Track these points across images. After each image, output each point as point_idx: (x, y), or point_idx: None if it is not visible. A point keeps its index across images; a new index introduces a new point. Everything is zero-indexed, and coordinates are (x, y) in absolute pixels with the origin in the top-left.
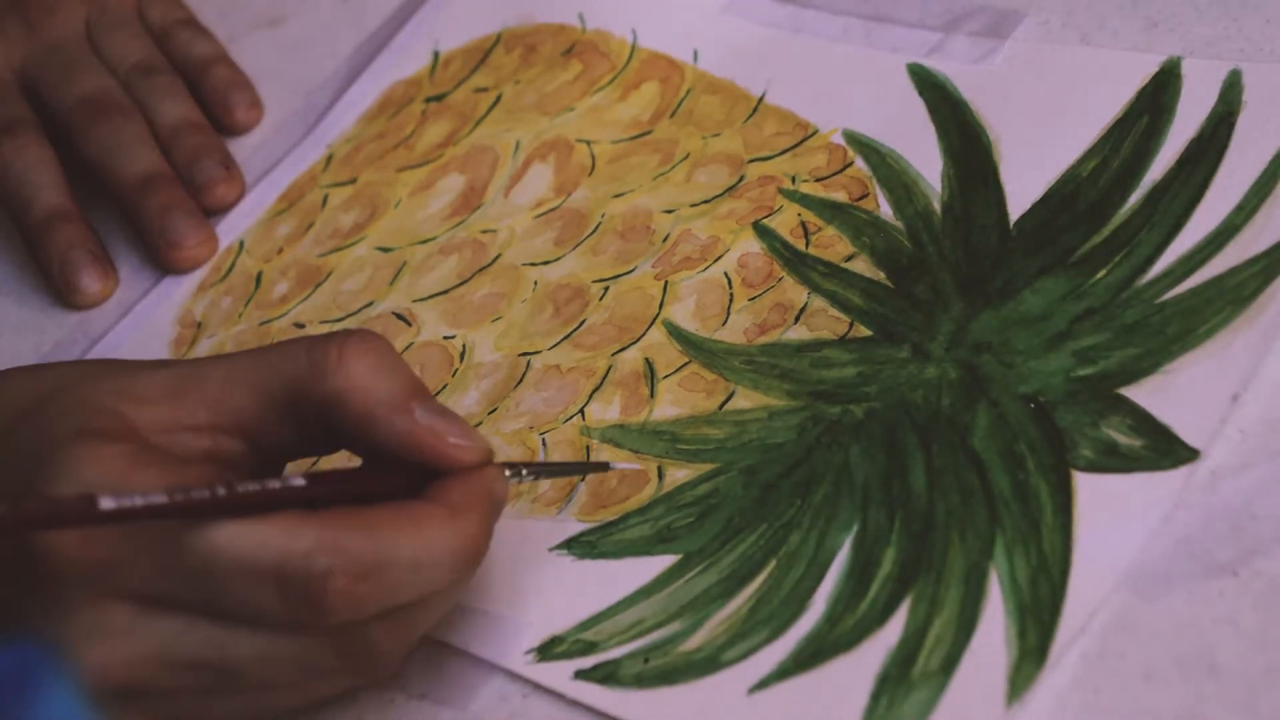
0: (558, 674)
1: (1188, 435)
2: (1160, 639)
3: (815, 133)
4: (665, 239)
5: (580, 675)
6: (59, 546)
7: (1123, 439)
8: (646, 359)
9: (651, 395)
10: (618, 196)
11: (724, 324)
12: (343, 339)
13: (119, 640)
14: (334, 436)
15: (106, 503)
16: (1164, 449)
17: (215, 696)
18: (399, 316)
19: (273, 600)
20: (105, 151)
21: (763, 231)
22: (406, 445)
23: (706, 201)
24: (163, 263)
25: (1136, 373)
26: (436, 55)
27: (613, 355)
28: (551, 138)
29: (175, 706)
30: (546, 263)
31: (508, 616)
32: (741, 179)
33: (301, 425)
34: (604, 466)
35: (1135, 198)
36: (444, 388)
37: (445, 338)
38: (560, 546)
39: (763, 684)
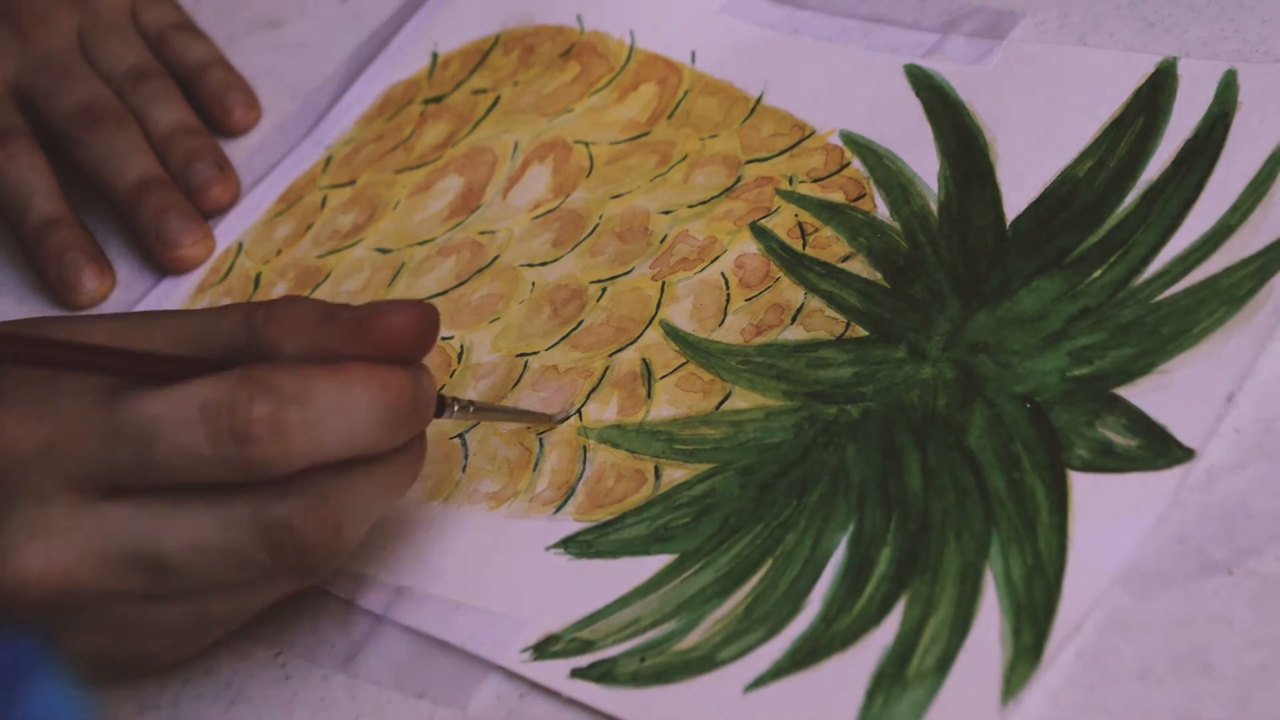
0: (554, 672)
1: (1183, 435)
2: (1155, 638)
3: (812, 133)
4: (663, 240)
5: (576, 674)
6: None
7: (1118, 438)
8: (644, 359)
9: (649, 395)
10: (615, 198)
11: (721, 324)
12: (273, 302)
13: (59, 537)
14: None
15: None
16: (1159, 448)
17: (152, 603)
18: None
19: (200, 440)
20: (100, 160)
21: (760, 232)
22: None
23: (704, 202)
24: (160, 263)
25: (1132, 372)
26: (435, 56)
27: (610, 356)
28: (550, 139)
29: (114, 617)
30: (544, 264)
31: (504, 615)
32: (739, 180)
33: None
34: (549, 419)
35: (1131, 198)
36: (442, 388)
37: (443, 338)
38: (557, 545)
39: (758, 682)
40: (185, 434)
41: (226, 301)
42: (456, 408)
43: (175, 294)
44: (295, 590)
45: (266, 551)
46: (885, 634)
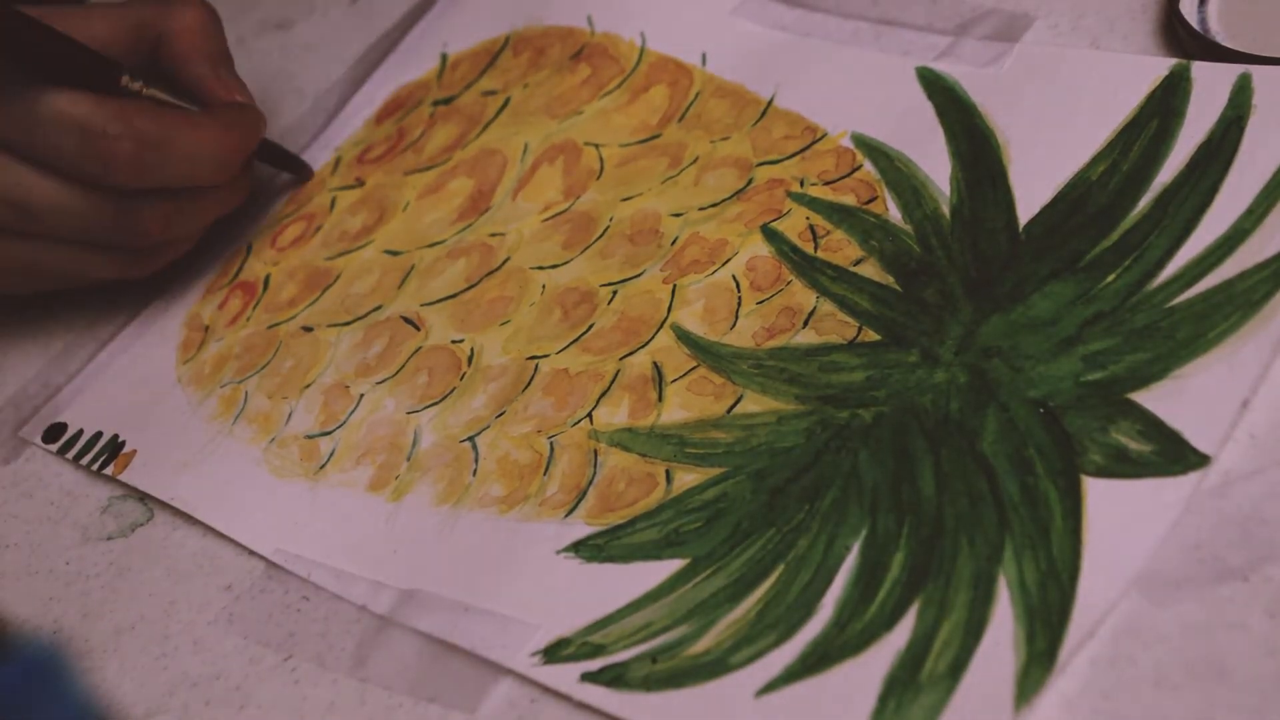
0: (565, 676)
1: (1198, 440)
2: (1170, 644)
3: (824, 136)
4: (673, 242)
5: (587, 678)
6: None
7: (1132, 444)
8: (655, 362)
9: (660, 399)
10: (626, 200)
11: (732, 327)
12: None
13: None
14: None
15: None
16: (1174, 454)
17: (9, 237)
18: (407, 320)
19: (74, 149)
20: None
21: (771, 235)
22: (205, 87)
23: (715, 205)
24: None
25: (1146, 378)
26: (444, 58)
27: (621, 359)
28: (560, 141)
29: None
30: (555, 266)
31: (515, 619)
32: (750, 182)
33: (140, 59)
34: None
35: (1145, 201)
36: (452, 391)
37: (453, 341)
38: (568, 549)
39: (770, 687)
40: (64, 138)
41: (237, 298)
42: (134, 82)
43: (184, 295)
44: (121, 277)
45: (114, 224)
46: (898, 639)
